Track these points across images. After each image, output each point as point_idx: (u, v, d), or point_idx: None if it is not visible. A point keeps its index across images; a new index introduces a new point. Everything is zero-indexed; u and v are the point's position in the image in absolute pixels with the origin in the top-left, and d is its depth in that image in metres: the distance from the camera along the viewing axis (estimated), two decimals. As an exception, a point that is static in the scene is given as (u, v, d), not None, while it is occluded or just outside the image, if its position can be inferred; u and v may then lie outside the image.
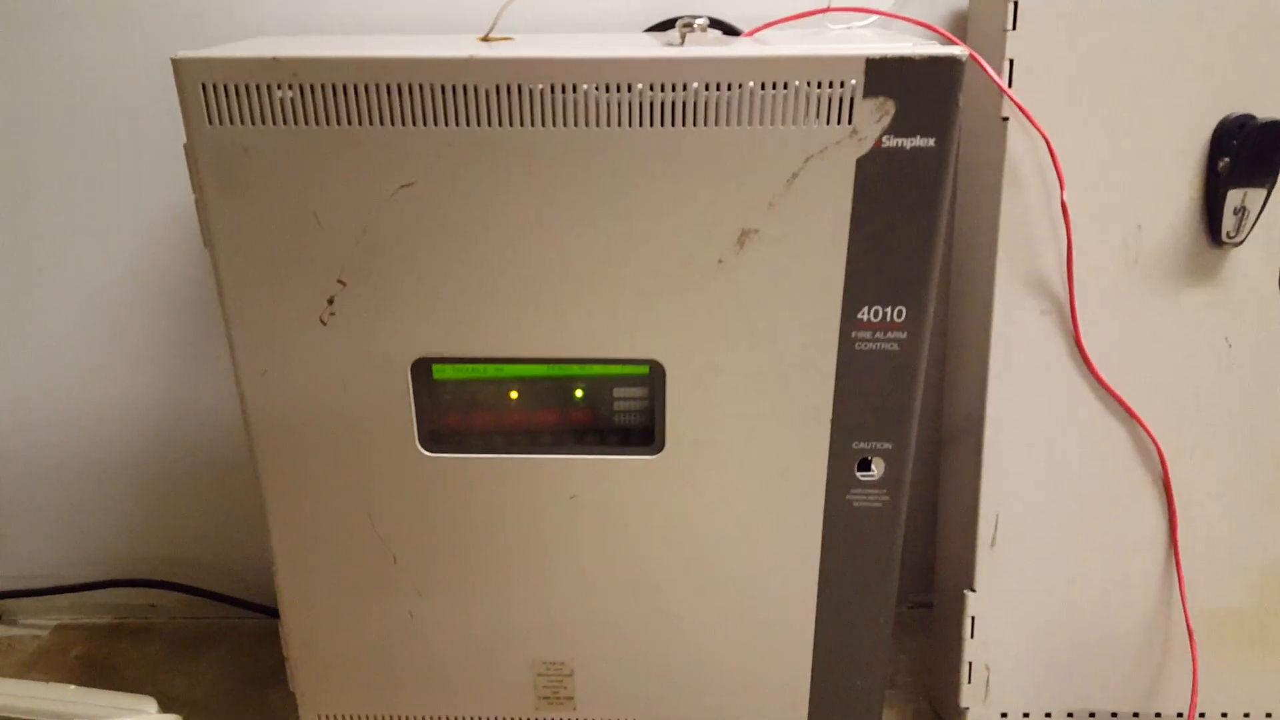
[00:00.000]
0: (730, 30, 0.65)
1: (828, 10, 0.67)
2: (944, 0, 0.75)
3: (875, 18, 0.67)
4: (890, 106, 0.54)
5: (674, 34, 0.59)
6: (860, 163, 0.56)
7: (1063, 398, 0.68)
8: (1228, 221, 0.64)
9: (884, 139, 0.55)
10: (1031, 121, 0.62)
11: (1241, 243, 0.65)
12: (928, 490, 0.88)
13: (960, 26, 0.73)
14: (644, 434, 0.65)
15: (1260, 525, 0.70)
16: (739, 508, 0.66)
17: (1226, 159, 0.63)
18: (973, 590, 0.72)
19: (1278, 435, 0.69)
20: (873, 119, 0.55)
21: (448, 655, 0.72)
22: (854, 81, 0.54)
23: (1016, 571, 0.72)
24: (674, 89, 0.54)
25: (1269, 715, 0.75)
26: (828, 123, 0.55)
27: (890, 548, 0.67)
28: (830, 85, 0.54)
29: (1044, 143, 0.63)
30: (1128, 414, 0.68)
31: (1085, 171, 0.64)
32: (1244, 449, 0.69)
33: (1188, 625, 0.71)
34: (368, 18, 0.78)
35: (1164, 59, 0.63)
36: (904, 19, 0.69)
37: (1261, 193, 0.63)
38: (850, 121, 0.55)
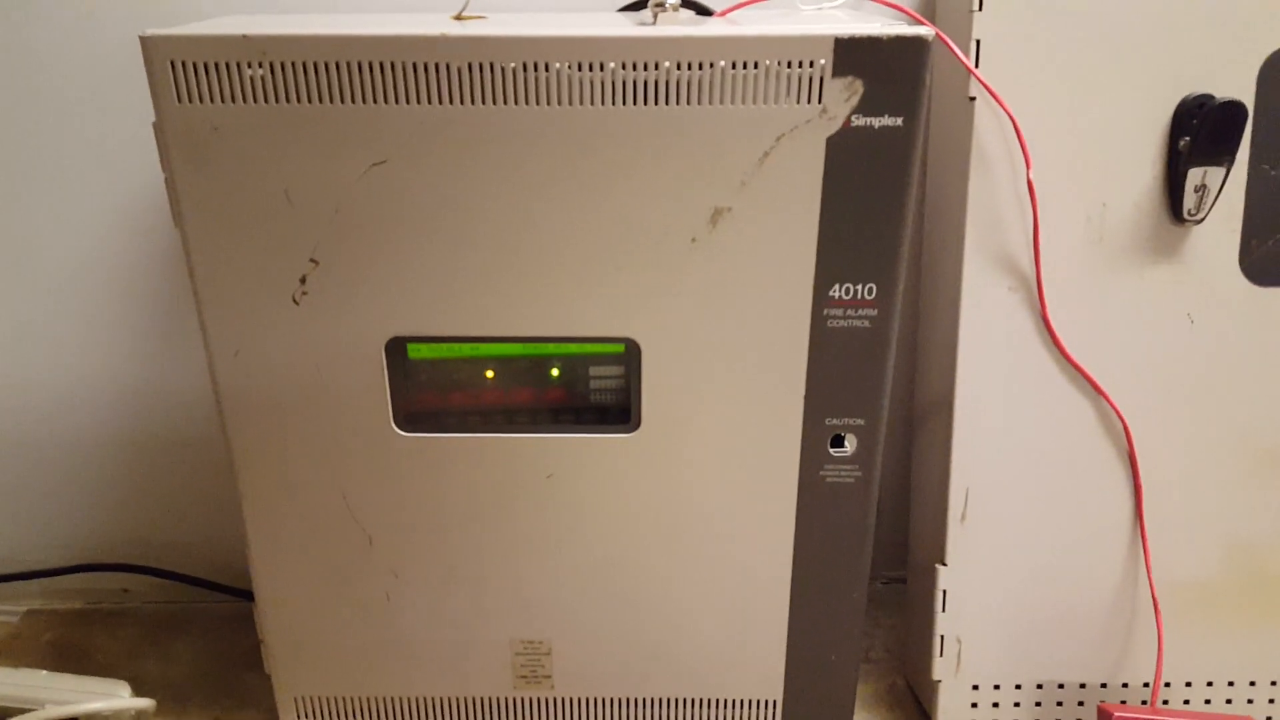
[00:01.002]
0: (703, 10, 0.66)
1: (800, -10, 0.67)
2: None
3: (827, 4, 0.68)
4: (859, 86, 0.55)
5: (646, 13, 0.59)
6: (830, 142, 0.56)
7: (1030, 374, 0.69)
8: (1189, 200, 0.65)
9: (853, 118, 0.56)
10: (998, 101, 0.63)
11: (1202, 220, 0.66)
12: (900, 467, 0.89)
13: (929, 8, 0.74)
14: (620, 412, 0.66)
15: (1224, 499, 0.72)
16: (714, 485, 0.66)
17: (1187, 138, 0.64)
18: (944, 564, 0.73)
19: (1238, 410, 0.70)
20: (842, 98, 0.55)
21: (424, 636, 0.72)
22: (823, 61, 0.54)
23: (986, 546, 0.73)
24: (646, 68, 0.55)
25: (1231, 684, 0.77)
26: (798, 102, 0.55)
27: (863, 523, 0.68)
28: (800, 65, 0.55)
29: (1010, 122, 0.64)
30: (1094, 389, 0.69)
31: (1051, 151, 0.65)
32: (1208, 423, 0.70)
33: (1153, 597, 0.73)
34: (339, -3, 0.77)
35: (1126, 39, 0.64)
36: (873, 0, 0.69)
37: (1221, 171, 0.64)
38: (820, 101, 0.55)
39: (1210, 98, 0.64)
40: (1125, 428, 0.70)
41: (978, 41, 0.63)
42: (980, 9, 0.63)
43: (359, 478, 0.67)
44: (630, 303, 0.61)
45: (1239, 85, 0.65)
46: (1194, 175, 0.65)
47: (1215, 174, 0.64)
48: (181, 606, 0.96)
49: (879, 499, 0.68)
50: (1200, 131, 0.63)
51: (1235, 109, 0.62)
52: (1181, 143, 0.64)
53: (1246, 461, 0.71)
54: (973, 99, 0.64)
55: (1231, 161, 0.64)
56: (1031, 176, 0.64)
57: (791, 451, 0.66)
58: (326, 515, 0.68)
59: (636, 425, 0.65)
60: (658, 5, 0.58)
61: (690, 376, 0.63)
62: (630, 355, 0.63)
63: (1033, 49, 0.64)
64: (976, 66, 0.64)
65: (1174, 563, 0.73)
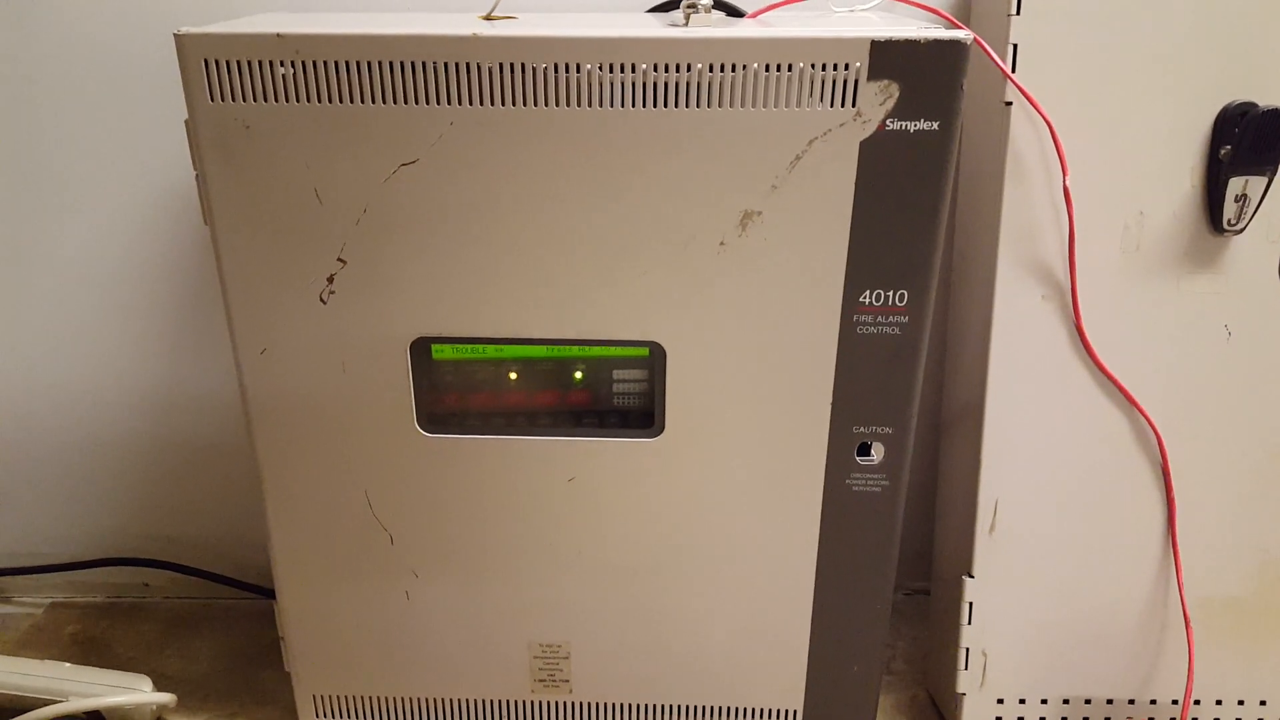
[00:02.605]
0: (734, 11, 0.65)
1: (832, -8, 0.66)
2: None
3: (878, 0, 0.67)
4: (894, 89, 0.54)
5: (678, 14, 0.59)
6: (864, 145, 0.56)
7: (1063, 384, 0.68)
8: (1229, 209, 0.64)
9: (888, 122, 0.55)
10: (1035, 106, 0.62)
11: (1242, 230, 0.65)
12: (926, 477, 0.88)
13: (964, 10, 0.73)
14: (644, 416, 0.65)
15: (1258, 514, 0.70)
16: (738, 492, 0.66)
17: (1228, 147, 0.63)
18: (971, 576, 0.72)
19: (1276, 424, 0.69)
20: (876, 101, 0.55)
21: (444, 637, 0.72)
22: (858, 64, 0.54)
23: (1015, 558, 0.72)
24: (678, 69, 0.54)
25: (1263, 703, 0.75)
26: (831, 105, 0.55)
27: (889, 533, 0.67)
28: (835, 68, 0.54)
29: (1047, 128, 0.62)
30: (1128, 401, 0.68)
31: (1088, 158, 0.64)
32: (1243, 437, 0.69)
33: (1184, 613, 0.71)
34: (370, -4, 0.77)
35: (1167, 46, 0.62)
36: (908, 2, 0.68)
37: (1263, 181, 0.63)
38: (854, 104, 0.55)
39: (1253, 105, 0.63)
40: (1159, 441, 0.68)
41: (1014, 46, 0.62)
42: (1018, 12, 0.62)
43: (382, 478, 0.66)
44: (656, 306, 0.60)
45: (1281, 93, 0.63)
46: (1235, 184, 0.63)
47: (1257, 183, 0.63)
48: (203, 602, 0.96)
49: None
50: (1242, 140, 0.62)
51: (1273, 117, 0.61)
52: (1222, 151, 0.63)
53: (1278, 474, 0.70)
54: (1009, 104, 0.63)
55: (1274, 171, 0.63)
56: (1068, 183, 0.63)
57: (817, 459, 0.65)
58: (348, 514, 0.68)
59: (660, 430, 0.64)
60: (689, 6, 0.58)
61: (715, 382, 0.63)
62: (655, 359, 0.63)
63: (1070, 54, 0.63)
64: (1013, 71, 0.63)
65: (1206, 579, 0.72)
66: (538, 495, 0.66)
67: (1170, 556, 0.71)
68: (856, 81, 0.54)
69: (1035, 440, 0.69)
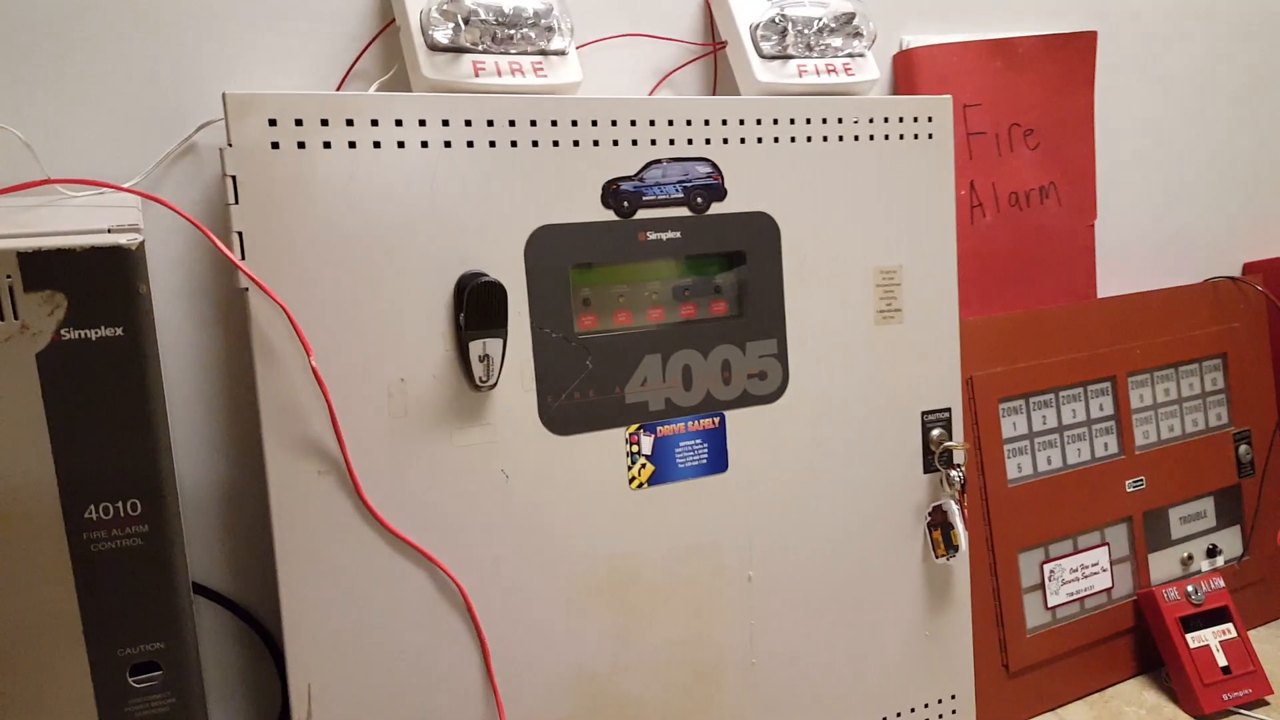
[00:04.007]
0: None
1: (47, 181, 0.62)
2: (209, 167, 0.75)
3: (94, 192, 0.64)
4: (61, 299, 0.51)
5: None
6: (40, 358, 0.51)
7: (358, 554, 0.68)
8: (477, 369, 0.70)
9: (62, 332, 0.51)
10: (266, 292, 0.63)
11: (495, 385, 0.71)
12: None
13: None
14: None
15: (570, 637, 0.77)
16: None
17: (463, 313, 0.69)
18: (307, 766, 0.69)
19: (555, 547, 0.76)
20: (43, 313, 0.51)
21: None
22: (9, 276, 0.49)
23: (350, 734, 0.70)
24: None
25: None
26: (-8, 318, 0.50)
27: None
28: (-9, 278, 0.49)
29: (283, 312, 0.64)
30: (424, 558, 0.70)
31: (339, 334, 0.66)
32: (531, 566, 0.75)
33: (522, 741, 0.75)
34: None
35: (396, 226, 0.67)
36: (141, 194, 0.66)
37: (499, 341, 0.70)
38: (17, 317, 0.50)
39: (482, 274, 0.70)
40: (460, 588, 0.72)
41: (239, 234, 0.63)
42: (236, 201, 0.63)
43: None
44: None
45: (511, 259, 0.72)
46: (475, 346, 0.69)
47: (494, 344, 0.70)
48: None
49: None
50: (469, 308, 0.68)
51: (491, 287, 0.68)
52: (460, 317, 0.69)
53: (579, 595, 0.77)
54: (245, 290, 0.63)
55: (504, 332, 0.70)
56: (315, 363, 0.64)
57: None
58: None
59: None
60: None
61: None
62: None
63: (301, 239, 0.65)
64: (243, 258, 0.63)
65: (533, 706, 0.76)
66: None
67: (491, 695, 0.74)
68: (11, 292, 0.50)
69: (339, 616, 0.68)
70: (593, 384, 0.76)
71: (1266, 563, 1.20)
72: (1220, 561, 1.16)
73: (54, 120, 0.70)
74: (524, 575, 0.74)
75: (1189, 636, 1.06)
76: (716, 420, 0.81)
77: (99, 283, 0.51)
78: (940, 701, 0.93)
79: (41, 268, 0.50)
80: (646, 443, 0.78)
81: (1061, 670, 1.05)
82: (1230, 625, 1.08)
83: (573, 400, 0.75)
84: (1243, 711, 1.03)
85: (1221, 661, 1.05)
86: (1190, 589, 1.09)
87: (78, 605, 0.56)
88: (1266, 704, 1.04)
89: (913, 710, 0.91)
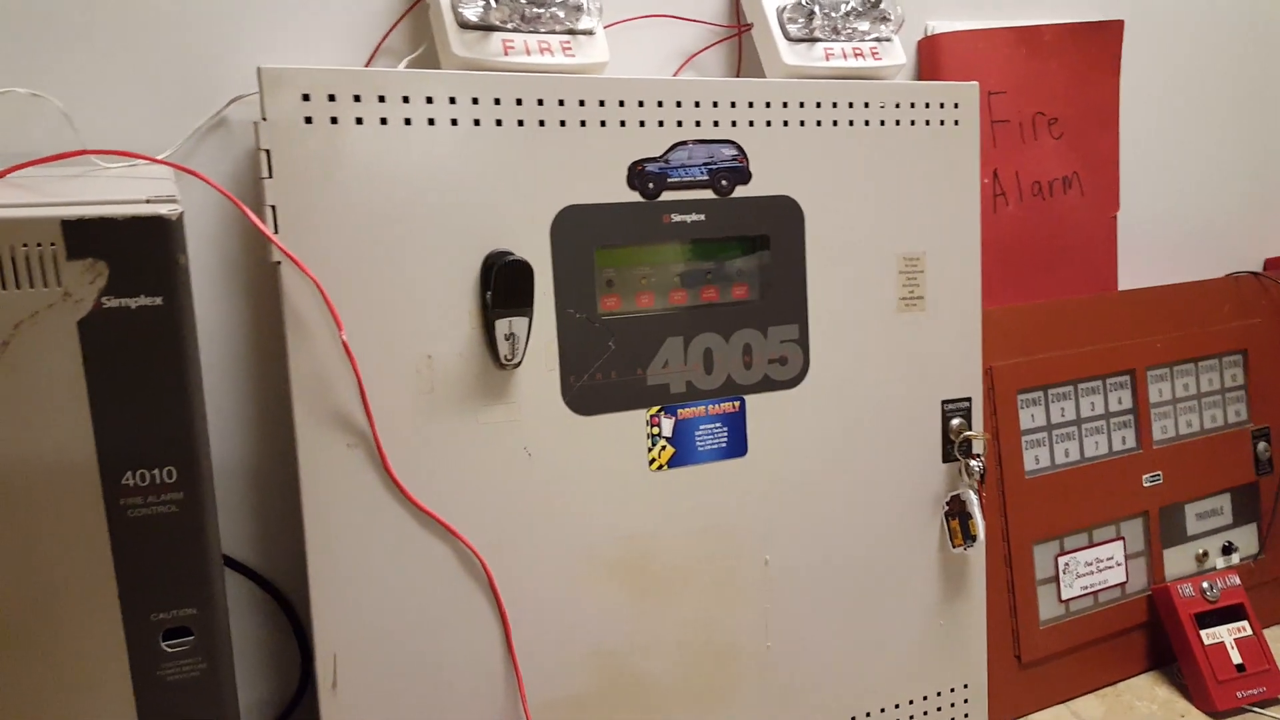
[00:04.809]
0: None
1: (83, 152, 0.63)
2: (240, 141, 0.76)
3: (142, 162, 0.65)
4: (103, 267, 0.52)
5: None
6: (82, 325, 0.52)
7: (384, 528, 0.69)
8: (502, 347, 0.71)
9: (103, 300, 0.52)
10: (299, 266, 0.64)
11: (519, 364, 0.72)
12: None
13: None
14: None
15: (586, 616, 0.77)
16: None
17: (490, 292, 0.69)
18: (328, 733, 0.70)
19: (580, 525, 0.77)
20: (86, 280, 0.51)
21: None
22: (55, 243, 0.50)
23: (362, 710, 0.71)
24: None
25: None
26: (33, 286, 0.50)
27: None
28: (32, 246, 0.50)
29: (316, 286, 0.64)
30: (448, 532, 0.71)
31: (369, 310, 0.67)
32: (557, 543, 0.76)
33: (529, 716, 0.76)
34: None
35: (425, 203, 0.68)
36: (176, 166, 0.67)
37: (524, 320, 0.71)
38: (60, 284, 0.51)
39: (509, 253, 0.70)
40: (483, 563, 0.72)
41: (274, 208, 0.64)
42: (270, 175, 0.63)
43: None
44: None
45: (538, 239, 0.72)
46: (501, 325, 0.70)
47: (520, 323, 0.71)
48: None
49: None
50: (498, 286, 0.69)
51: (518, 266, 0.69)
52: (488, 296, 0.70)
53: (598, 574, 0.78)
54: (278, 264, 0.64)
55: (530, 311, 0.71)
56: (345, 337, 0.65)
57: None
58: None
59: None
60: None
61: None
62: None
63: (332, 215, 0.65)
64: (276, 232, 0.64)
65: (548, 683, 0.76)
66: None
67: (512, 670, 0.75)
68: (56, 260, 0.51)
69: (365, 587, 0.69)
70: (615, 365, 0.77)
71: (1282, 560, 1.20)
72: (1236, 559, 1.16)
73: (87, 92, 0.71)
74: (544, 552, 0.75)
75: (1203, 633, 1.06)
76: (737, 404, 0.81)
77: (140, 252, 0.52)
78: (953, 690, 0.93)
79: (84, 236, 0.50)
80: (667, 425, 0.79)
81: (1074, 663, 1.05)
82: (1245, 623, 1.08)
83: (595, 381, 0.76)
84: (1256, 709, 1.03)
85: (1236, 659, 1.05)
86: (1205, 585, 1.09)
87: (113, 570, 0.57)
88: (1280, 702, 1.05)
89: (925, 698, 0.92)
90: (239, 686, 0.84)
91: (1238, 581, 1.10)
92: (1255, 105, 1.27)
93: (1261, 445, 1.19)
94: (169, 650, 0.60)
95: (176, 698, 0.61)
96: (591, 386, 0.76)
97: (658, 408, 0.78)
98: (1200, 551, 1.15)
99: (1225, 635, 1.07)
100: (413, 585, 0.71)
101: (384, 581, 0.70)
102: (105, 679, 0.59)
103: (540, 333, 0.73)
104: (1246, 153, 1.27)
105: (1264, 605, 1.17)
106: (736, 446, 0.82)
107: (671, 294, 0.79)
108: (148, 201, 0.53)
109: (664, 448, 0.79)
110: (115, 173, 0.64)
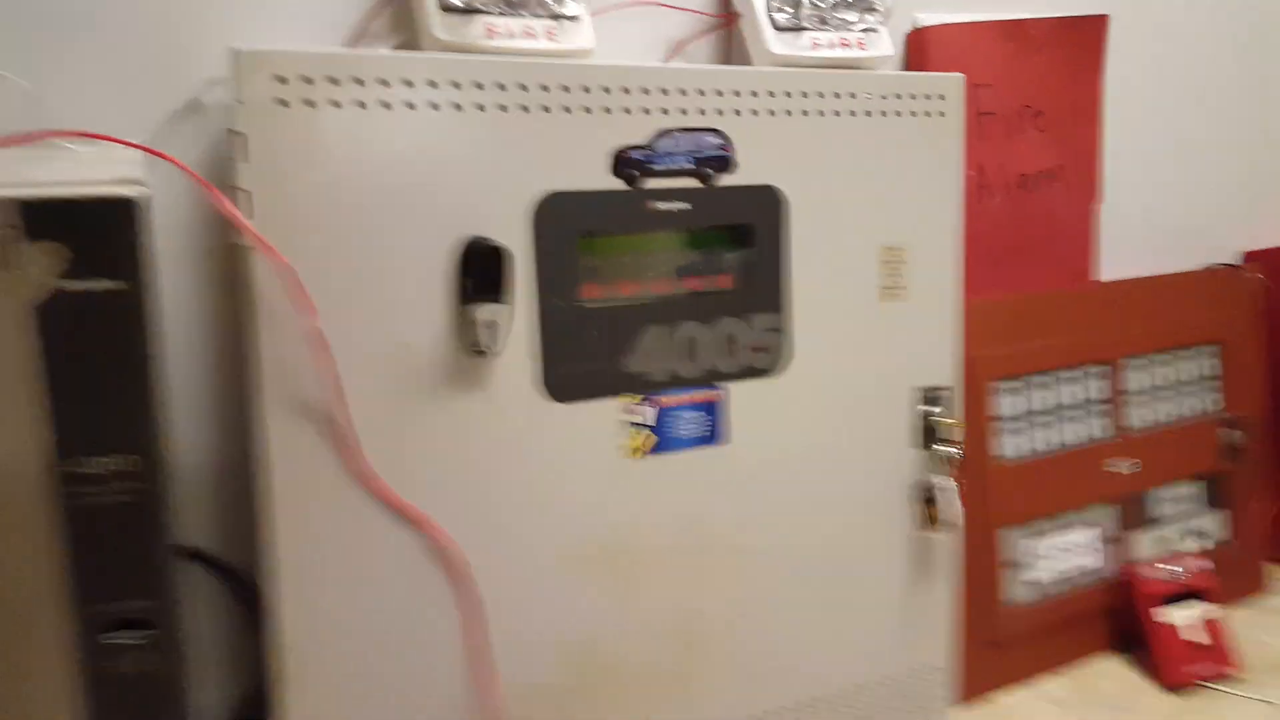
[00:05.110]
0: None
1: (49, 134, 0.61)
2: (216, 126, 0.74)
3: (113, 145, 0.63)
4: (64, 250, 0.50)
5: None
6: (40, 309, 0.50)
7: (357, 520, 0.68)
8: (482, 335, 0.69)
9: (64, 283, 0.50)
10: (271, 251, 0.62)
11: (499, 352, 0.70)
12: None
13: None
14: None
15: (557, 600, 0.76)
16: None
17: (469, 279, 0.68)
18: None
19: (558, 518, 0.76)
20: (46, 263, 0.50)
21: None
22: (14, 225, 0.48)
23: (332, 702, 0.69)
24: None
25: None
26: (-8, 268, 0.49)
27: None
28: (-10, 227, 0.48)
29: (288, 272, 0.63)
30: (423, 523, 0.70)
31: (344, 296, 0.65)
32: (531, 537, 0.75)
33: (502, 709, 0.75)
34: None
35: (401, 187, 0.67)
36: (145, 149, 0.65)
37: (504, 308, 0.69)
38: (20, 266, 0.49)
39: (489, 240, 0.69)
40: (459, 553, 0.71)
41: (247, 193, 0.62)
42: (244, 160, 0.62)
43: None
44: None
45: (519, 226, 0.71)
46: (480, 312, 0.69)
47: (499, 310, 0.69)
48: None
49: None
50: (475, 274, 0.68)
51: (498, 253, 0.68)
52: (467, 283, 0.68)
53: (577, 562, 0.77)
54: (250, 249, 0.62)
55: (510, 299, 0.69)
56: (319, 324, 0.64)
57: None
58: None
59: None
60: None
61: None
62: None
63: (307, 200, 0.64)
64: (250, 217, 0.62)
65: (520, 672, 0.75)
66: None
67: (488, 659, 0.74)
68: (14, 242, 0.49)
69: (335, 577, 0.68)
70: (596, 353, 0.75)
71: (1249, 546, 1.21)
72: (1205, 544, 1.18)
73: (55, 72, 0.69)
74: (522, 541, 0.74)
75: (1166, 613, 1.08)
76: (718, 392, 0.81)
77: (104, 235, 0.50)
78: (923, 670, 0.93)
79: (45, 218, 0.49)
80: (648, 413, 0.78)
81: (1041, 644, 1.07)
82: (1208, 604, 1.09)
83: (575, 368, 0.75)
84: (1210, 685, 1.05)
85: (1196, 639, 1.06)
86: (1171, 569, 1.10)
87: (65, 559, 0.55)
88: (1240, 681, 1.06)
89: (896, 678, 0.92)
90: (210, 685, 0.83)
91: (1204, 565, 1.11)
92: (1237, 101, 1.27)
93: (1235, 434, 1.20)
94: (121, 643, 0.59)
95: (129, 689, 0.60)
96: (572, 374, 0.74)
97: (639, 396, 0.77)
98: (1170, 535, 1.16)
99: (1185, 616, 1.08)
100: (385, 575, 0.69)
101: (354, 572, 0.68)
102: (52, 670, 0.57)
103: (520, 320, 0.72)
104: (1228, 148, 1.27)
105: (1233, 589, 1.18)
106: (718, 434, 0.81)
107: (654, 282, 0.78)
108: (113, 183, 0.51)
109: (645, 436, 0.79)
110: (83, 155, 0.62)
